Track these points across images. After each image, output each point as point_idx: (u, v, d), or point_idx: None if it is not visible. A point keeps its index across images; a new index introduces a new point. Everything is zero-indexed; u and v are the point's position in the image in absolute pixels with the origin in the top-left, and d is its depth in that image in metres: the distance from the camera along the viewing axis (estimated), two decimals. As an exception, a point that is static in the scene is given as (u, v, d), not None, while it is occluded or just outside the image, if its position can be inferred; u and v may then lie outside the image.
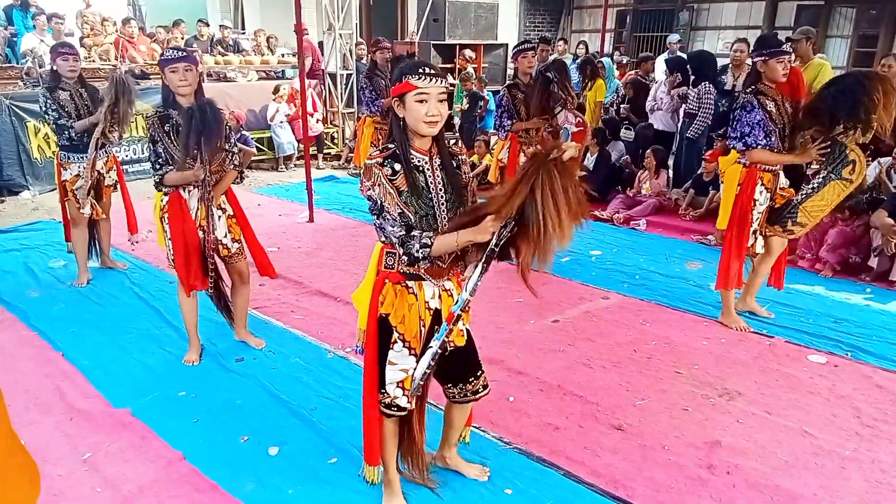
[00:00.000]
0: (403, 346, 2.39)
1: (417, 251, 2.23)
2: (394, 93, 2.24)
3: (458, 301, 2.32)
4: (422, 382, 2.42)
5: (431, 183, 2.30)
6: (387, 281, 2.37)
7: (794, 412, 3.37)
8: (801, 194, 4.04)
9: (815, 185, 3.99)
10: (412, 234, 2.22)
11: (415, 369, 2.41)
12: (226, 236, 3.77)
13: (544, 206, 2.03)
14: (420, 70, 2.19)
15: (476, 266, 2.24)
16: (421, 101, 2.19)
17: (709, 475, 2.88)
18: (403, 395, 2.45)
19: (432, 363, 2.37)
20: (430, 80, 2.19)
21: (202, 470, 2.88)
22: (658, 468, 2.93)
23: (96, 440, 3.11)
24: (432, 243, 2.21)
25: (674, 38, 9.98)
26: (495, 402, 3.41)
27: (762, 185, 4.02)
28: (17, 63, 8.49)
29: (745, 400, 3.48)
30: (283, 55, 10.81)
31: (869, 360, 3.89)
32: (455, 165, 2.37)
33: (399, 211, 2.23)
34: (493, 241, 2.17)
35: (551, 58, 7.05)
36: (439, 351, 2.35)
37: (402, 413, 2.51)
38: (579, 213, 2.10)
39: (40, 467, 2.91)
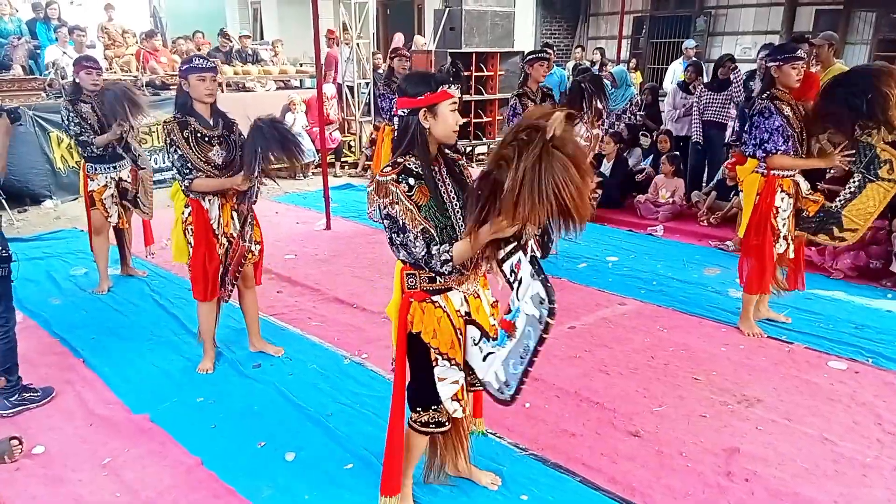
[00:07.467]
0: (443, 360, 2.36)
1: (441, 267, 2.20)
2: (428, 101, 2.20)
3: (514, 311, 2.13)
4: (523, 384, 2.22)
5: (444, 192, 2.29)
6: (412, 300, 2.36)
7: (814, 419, 3.33)
8: (839, 200, 3.95)
9: (853, 189, 3.90)
10: (431, 251, 2.19)
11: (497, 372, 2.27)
12: (250, 241, 3.81)
13: (561, 193, 1.88)
14: (452, 79, 2.24)
15: (531, 276, 2.07)
16: (454, 110, 2.22)
17: (727, 482, 2.85)
18: (460, 406, 2.42)
19: (530, 368, 2.16)
20: (457, 88, 2.23)
21: (220, 475, 2.91)
22: (676, 475, 2.91)
23: (116, 446, 3.14)
24: (452, 256, 2.18)
25: (690, 43, 9.91)
26: (511, 408, 3.40)
27: (782, 191, 3.97)
28: (41, 75, 8.64)
29: (764, 407, 3.45)
30: (300, 65, 10.88)
31: (890, 367, 3.83)
32: (459, 171, 2.37)
33: (421, 227, 2.19)
34: (534, 252, 2.09)
35: (561, 67, 7.02)
36: (535, 359, 2.13)
37: (443, 430, 2.49)
38: (586, 183, 1.94)
39: (61, 472, 2.96)
